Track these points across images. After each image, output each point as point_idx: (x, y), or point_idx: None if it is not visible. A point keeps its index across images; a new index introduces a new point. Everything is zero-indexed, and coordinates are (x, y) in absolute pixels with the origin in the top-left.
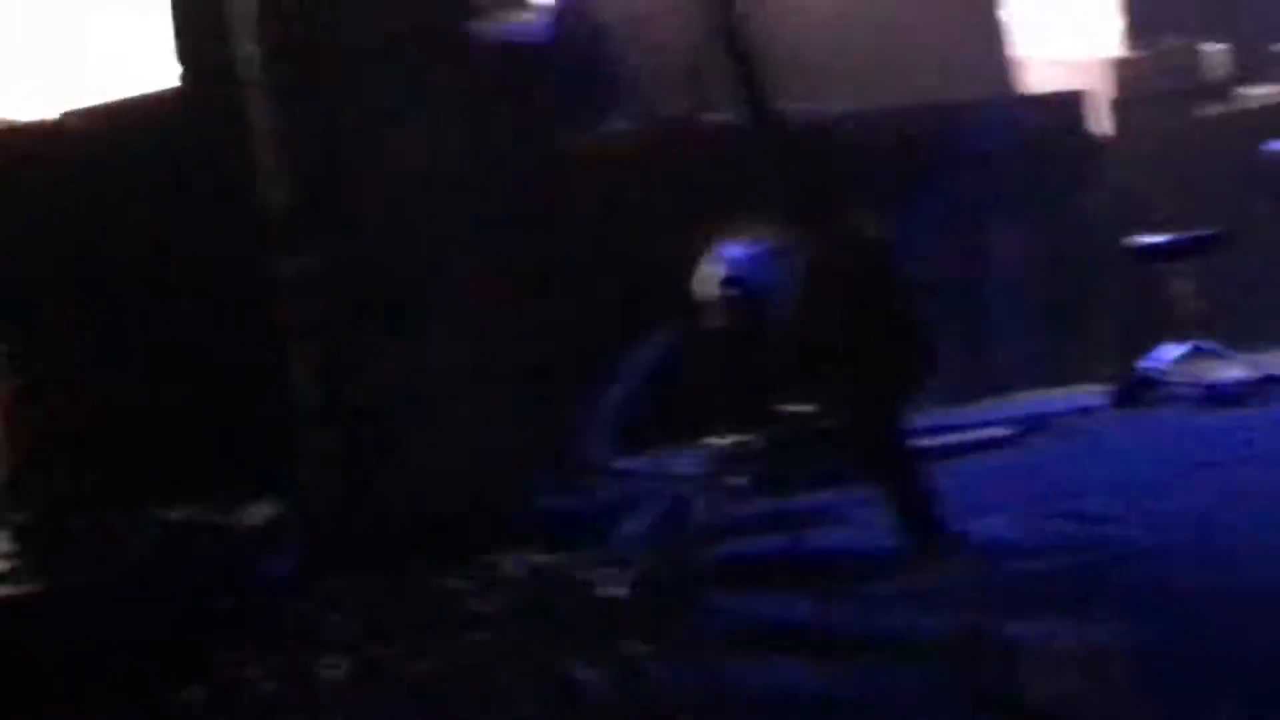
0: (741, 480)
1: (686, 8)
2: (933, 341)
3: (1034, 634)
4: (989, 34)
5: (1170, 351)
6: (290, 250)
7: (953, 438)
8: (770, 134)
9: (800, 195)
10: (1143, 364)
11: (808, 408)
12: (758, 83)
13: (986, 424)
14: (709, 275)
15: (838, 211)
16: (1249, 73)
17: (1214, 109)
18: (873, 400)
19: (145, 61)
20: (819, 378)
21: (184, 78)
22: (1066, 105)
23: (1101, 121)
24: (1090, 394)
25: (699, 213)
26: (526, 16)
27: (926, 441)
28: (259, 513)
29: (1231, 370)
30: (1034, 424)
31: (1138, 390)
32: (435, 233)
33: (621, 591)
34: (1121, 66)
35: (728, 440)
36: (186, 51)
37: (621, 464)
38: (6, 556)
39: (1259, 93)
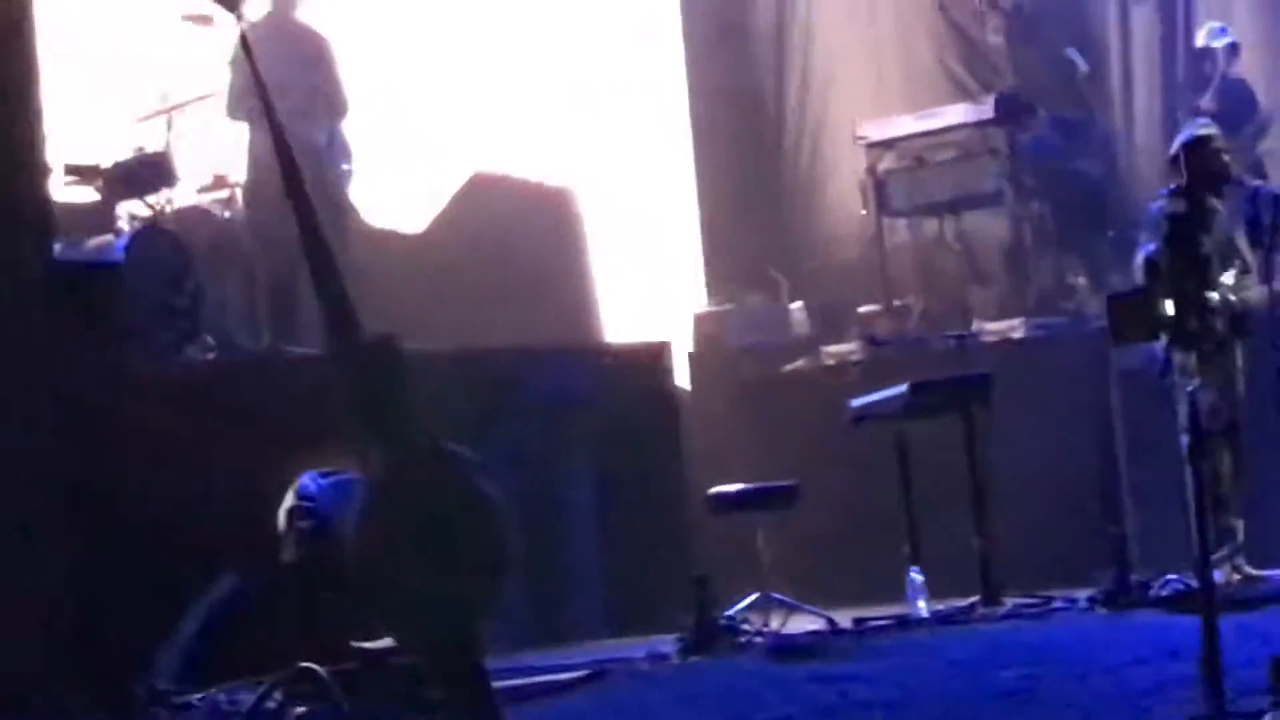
0: (305, 713)
1: (274, 236)
2: (508, 557)
3: None
4: (579, 281)
5: (744, 600)
6: None
7: (522, 680)
8: (345, 353)
9: (368, 412)
10: (717, 612)
11: (384, 643)
12: (339, 301)
13: (558, 669)
14: (284, 508)
15: (406, 428)
16: (829, 331)
17: (795, 364)
18: (448, 623)
19: None
20: (391, 607)
21: None
22: (650, 355)
23: (684, 371)
24: (663, 640)
25: (277, 445)
26: (104, 239)
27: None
28: None
29: (802, 621)
30: (605, 670)
31: (711, 638)
32: None
33: None
34: (703, 321)
35: (296, 673)
36: None
37: (185, 697)
38: None
39: (838, 350)
